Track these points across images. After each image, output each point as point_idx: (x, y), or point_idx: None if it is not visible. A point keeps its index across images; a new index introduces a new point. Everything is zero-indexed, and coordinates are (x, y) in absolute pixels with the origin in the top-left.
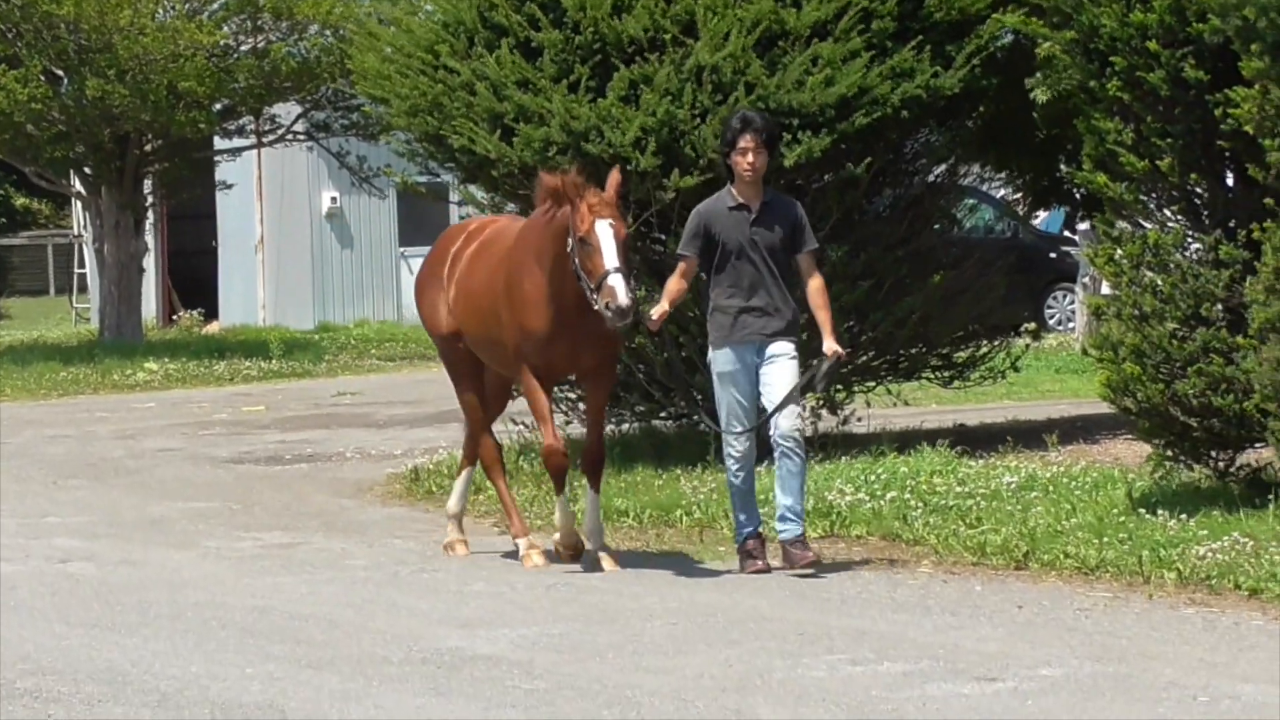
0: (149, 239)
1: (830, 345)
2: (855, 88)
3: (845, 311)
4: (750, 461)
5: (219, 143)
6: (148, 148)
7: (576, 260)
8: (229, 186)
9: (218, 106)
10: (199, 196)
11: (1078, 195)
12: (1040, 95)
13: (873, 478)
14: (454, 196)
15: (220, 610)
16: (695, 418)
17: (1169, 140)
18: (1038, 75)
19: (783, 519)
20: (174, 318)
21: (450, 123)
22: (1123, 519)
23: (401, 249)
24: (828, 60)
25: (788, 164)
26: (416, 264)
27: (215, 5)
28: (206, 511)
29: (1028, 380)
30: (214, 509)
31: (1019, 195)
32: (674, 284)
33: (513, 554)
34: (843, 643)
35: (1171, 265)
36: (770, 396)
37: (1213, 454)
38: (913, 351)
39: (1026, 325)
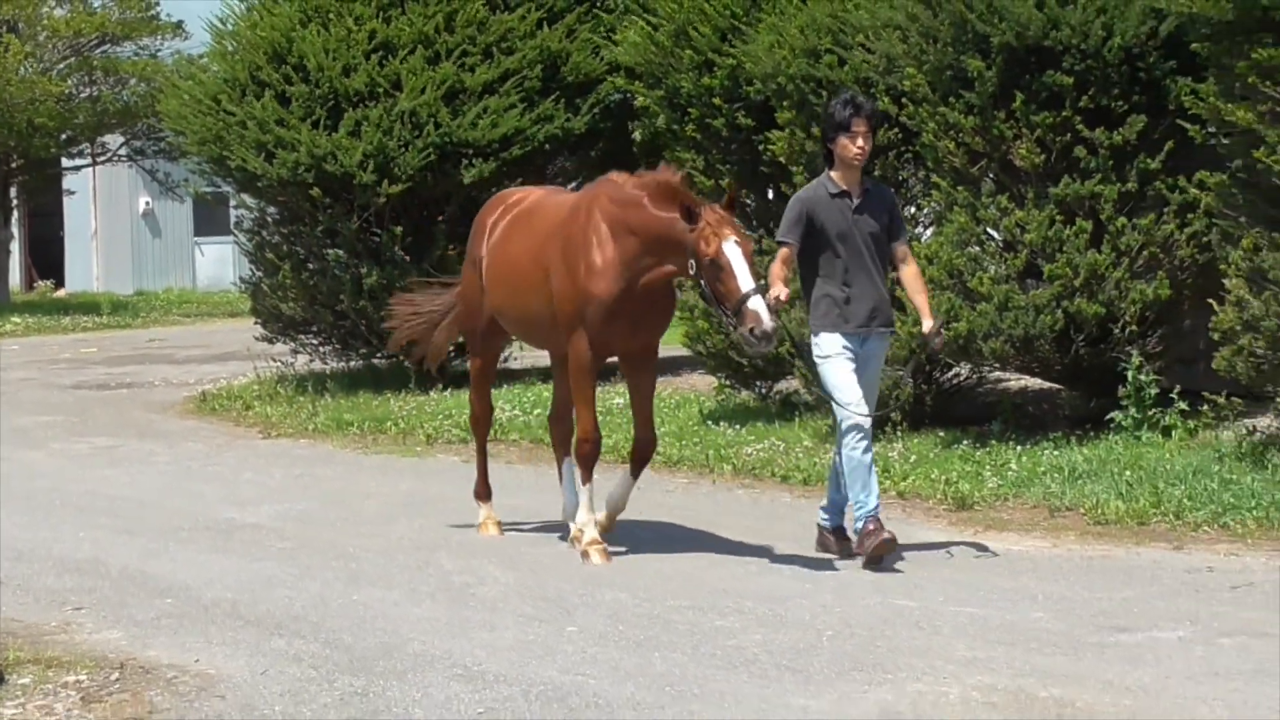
0: (14, 229)
1: (929, 325)
2: (513, 129)
3: None
4: (870, 438)
5: (65, 162)
6: (13, 165)
7: (704, 282)
8: (72, 193)
9: (64, 136)
10: (51, 199)
11: None
12: (638, 135)
13: (525, 400)
14: (232, 202)
15: (62, 493)
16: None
17: (728, 167)
18: (637, 122)
19: (825, 509)
20: (33, 286)
21: (229, 149)
22: (696, 428)
23: (196, 239)
24: (494, 109)
25: (466, 181)
26: (208, 249)
27: (62, 65)
28: (54, 423)
29: None
30: (59, 421)
31: None
32: (778, 269)
33: (274, 456)
34: (501, 514)
35: None
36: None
37: (758, 384)
38: None
39: None
